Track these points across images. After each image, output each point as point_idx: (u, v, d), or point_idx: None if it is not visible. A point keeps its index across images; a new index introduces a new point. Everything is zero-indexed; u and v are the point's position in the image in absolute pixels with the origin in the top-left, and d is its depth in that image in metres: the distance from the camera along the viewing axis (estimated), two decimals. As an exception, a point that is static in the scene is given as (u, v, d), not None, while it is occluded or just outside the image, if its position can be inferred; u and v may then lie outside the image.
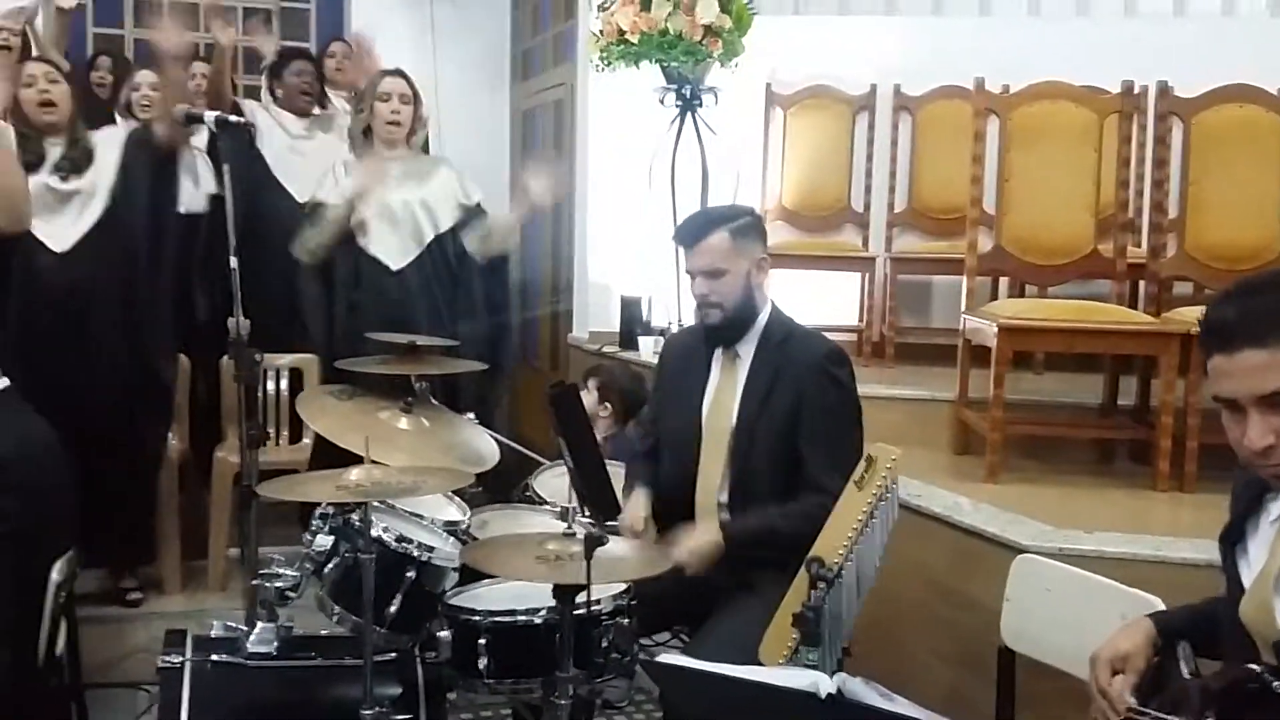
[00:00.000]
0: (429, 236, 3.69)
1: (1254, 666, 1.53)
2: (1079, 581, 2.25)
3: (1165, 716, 1.60)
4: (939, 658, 2.92)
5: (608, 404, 3.61)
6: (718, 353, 2.60)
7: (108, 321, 3.49)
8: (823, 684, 1.20)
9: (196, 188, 3.98)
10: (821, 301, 5.05)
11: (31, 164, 3.39)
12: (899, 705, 1.26)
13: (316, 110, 4.51)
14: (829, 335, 5.01)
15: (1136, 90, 3.68)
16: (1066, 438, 3.59)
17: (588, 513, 2.10)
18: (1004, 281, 4.63)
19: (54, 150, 3.47)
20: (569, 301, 5.48)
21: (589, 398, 3.59)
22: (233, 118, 2.82)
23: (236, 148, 3.09)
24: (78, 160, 3.44)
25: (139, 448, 3.64)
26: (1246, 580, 1.64)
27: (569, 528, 1.99)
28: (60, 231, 3.41)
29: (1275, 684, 1.51)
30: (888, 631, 3.02)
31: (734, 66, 4.60)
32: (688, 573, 2.30)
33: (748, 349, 2.54)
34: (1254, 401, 1.48)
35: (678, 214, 4.64)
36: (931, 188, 5.02)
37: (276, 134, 4.31)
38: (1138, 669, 1.68)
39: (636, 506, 2.54)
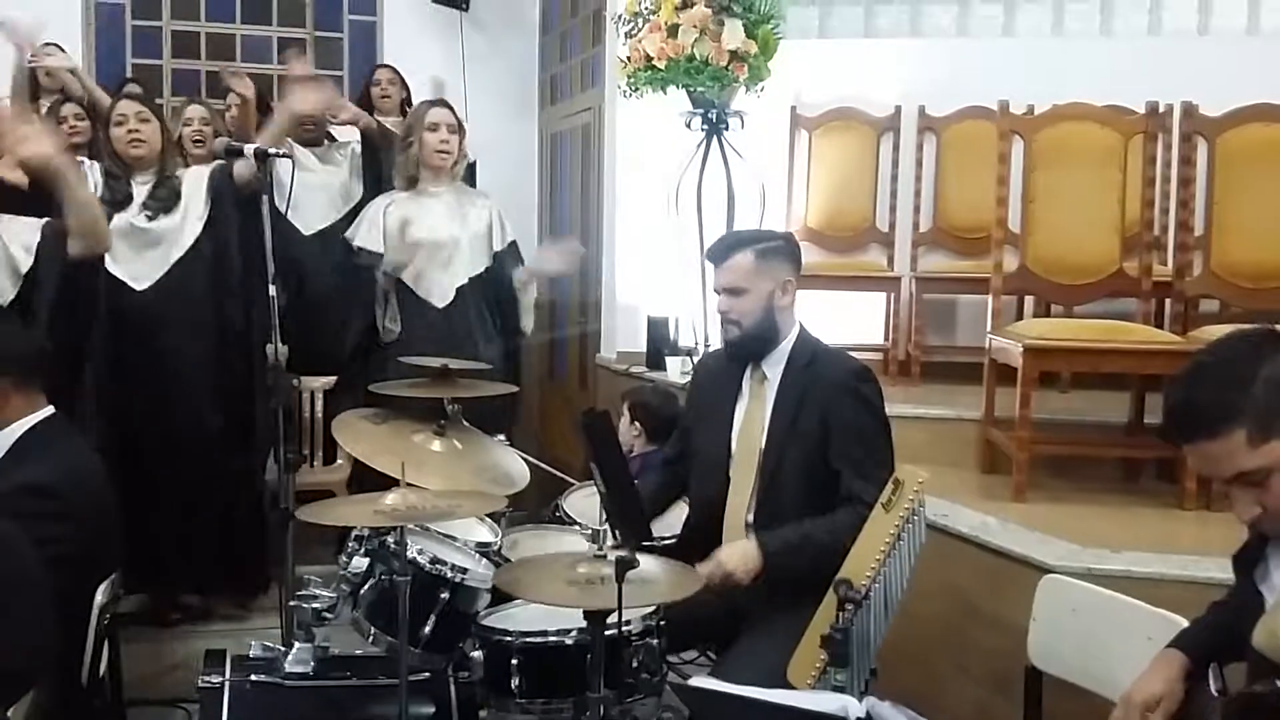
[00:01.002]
0: (463, 280, 3.80)
1: (1278, 683, 1.55)
2: (1106, 602, 2.27)
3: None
4: (967, 677, 2.93)
5: (638, 424, 3.65)
6: (747, 374, 2.64)
7: (192, 354, 3.58)
8: (852, 708, 1.23)
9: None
10: (848, 321, 5.09)
11: (119, 202, 3.48)
12: (918, 721, 1.29)
13: (326, 141, 4.60)
14: (855, 354, 5.08)
15: (1161, 110, 3.70)
16: (1093, 457, 3.60)
17: (619, 535, 2.14)
18: (1029, 300, 4.65)
19: (142, 189, 3.55)
20: (597, 322, 5.53)
21: (623, 420, 3.64)
22: (271, 149, 2.90)
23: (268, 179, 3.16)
24: (166, 200, 3.51)
25: (234, 480, 3.71)
26: (1269, 601, 1.66)
27: (600, 549, 2.02)
28: (144, 271, 3.51)
29: None
30: (916, 651, 3.03)
31: (760, 90, 4.65)
32: (728, 579, 2.33)
33: (775, 370, 2.58)
34: (1226, 482, 1.53)
35: (704, 236, 4.69)
36: (956, 208, 5.04)
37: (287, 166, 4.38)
38: (1170, 711, 1.70)
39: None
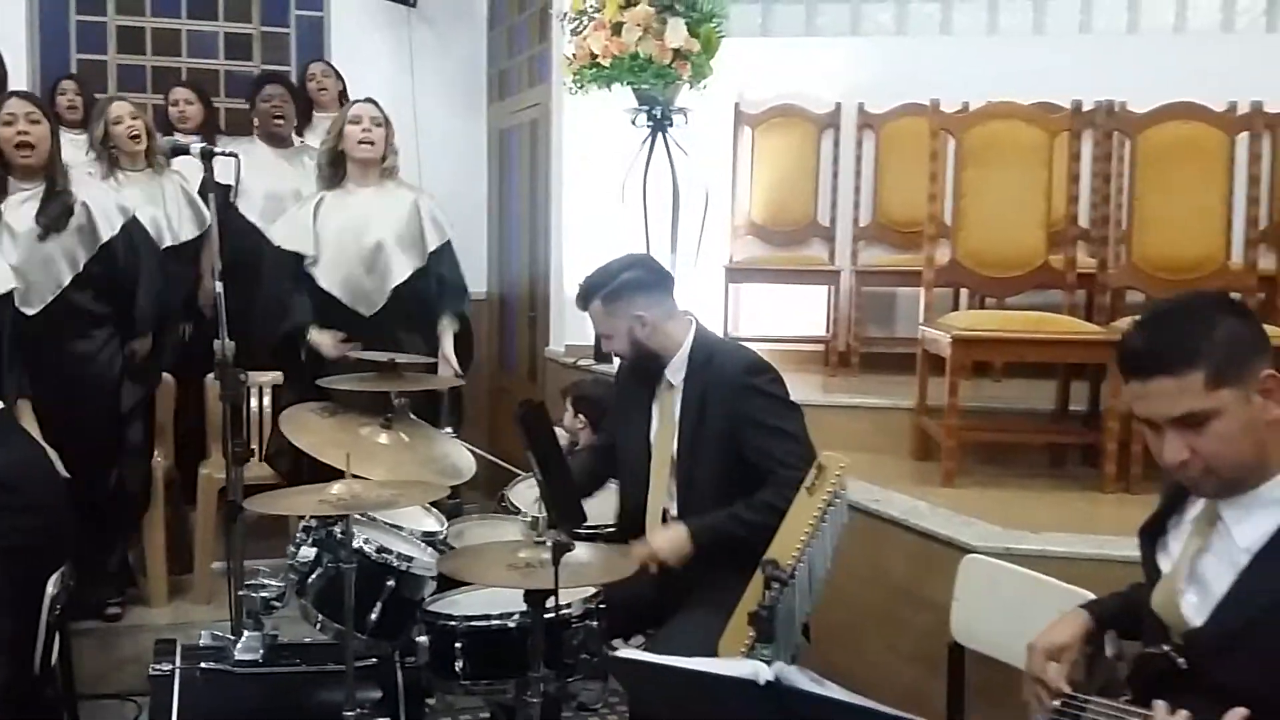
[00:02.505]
0: (392, 285, 3.80)
1: (1164, 647, 1.67)
2: (1022, 580, 2.38)
3: (1093, 699, 1.74)
4: (898, 656, 3.05)
5: (582, 416, 3.73)
6: (658, 384, 2.76)
7: (89, 350, 3.58)
8: (762, 672, 1.32)
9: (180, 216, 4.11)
10: (790, 313, 5.22)
11: None
12: (830, 690, 1.39)
13: (297, 140, 4.63)
14: (796, 346, 5.20)
15: (1089, 107, 3.83)
16: (1020, 443, 3.73)
17: (556, 522, 2.23)
18: (965, 293, 4.79)
19: (27, 197, 3.44)
20: (546, 316, 5.60)
21: (566, 414, 3.72)
22: (217, 149, 2.94)
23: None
24: (58, 219, 3.41)
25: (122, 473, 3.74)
26: (1165, 571, 1.78)
27: (539, 535, 2.11)
28: (36, 296, 3.46)
29: (1180, 661, 1.65)
30: (849, 631, 3.15)
31: (703, 88, 4.74)
32: (658, 561, 2.44)
33: (678, 376, 2.69)
34: (1168, 422, 1.63)
35: (649, 231, 4.79)
36: (895, 203, 5.17)
37: (253, 170, 4.39)
38: (1072, 660, 1.82)
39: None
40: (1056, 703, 1.77)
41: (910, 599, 3.01)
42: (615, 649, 2.52)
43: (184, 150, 2.85)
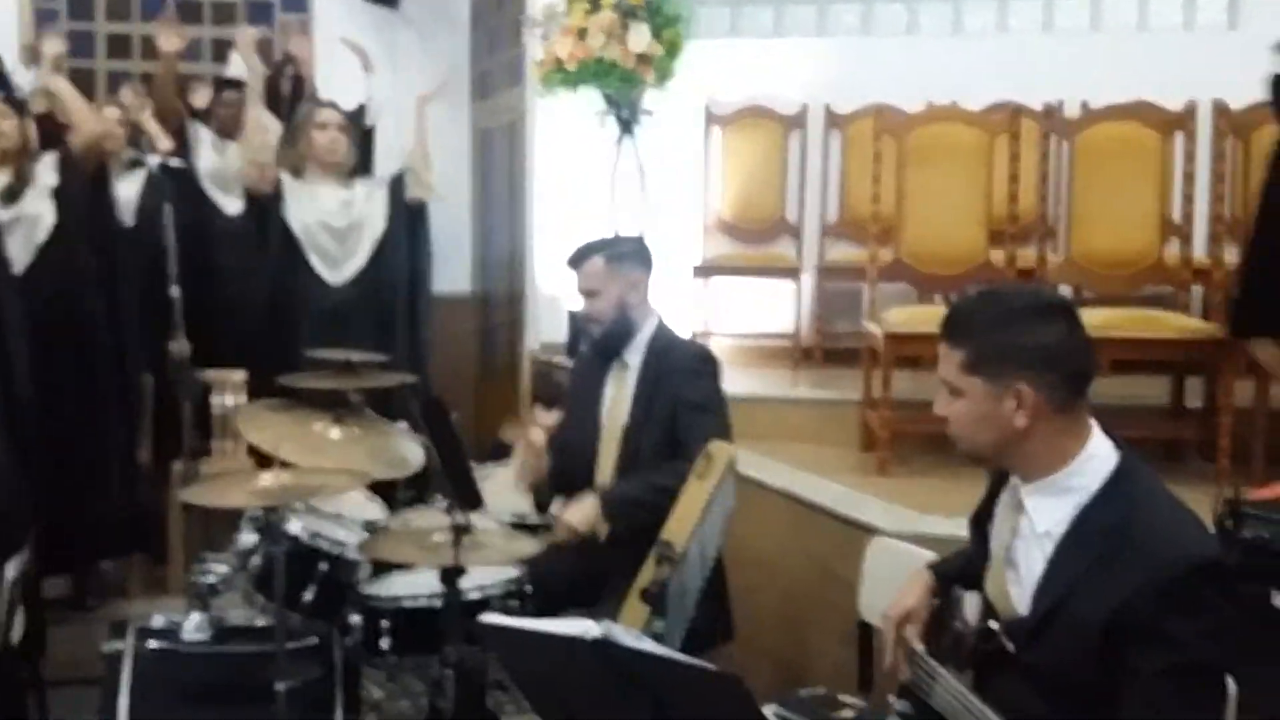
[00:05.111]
0: (355, 267, 3.96)
1: (993, 626, 1.80)
2: (918, 559, 2.50)
3: (942, 673, 1.87)
4: (825, 635, 3.18)
5: (541, 404, 3.85)
6: (614, 362, 2.90)
7: (70, 334, 3.71)
8: (590, 629, 1.47)
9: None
10: (758, 309, 5.36)
11: None
12: (647, 645, 1.53)
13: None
14: (764, 342, 5.32)
15: (1053, 105, 3.97)
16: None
17: (456, 506, 2.37)
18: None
19: None
20: (523, 314, 5.75)
21: (549, 417, 3.84)
22: (173, 162, 3.09)
23: (180, 184, 3.32)
24: (15, 188, 3.54)
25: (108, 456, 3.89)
26: (992, 557, 1.90)
27: (453, 520, 2.26)
28: (14, 255, 3.60)
29: (1009, 645, 1.78)
30: (781, 614, 3.30)
31: (666, 89, 4.87)
32: (574, 533, 2.61)
33: (636, 358, 2.86)
34: (942, 381, 1.78)
35: (619, 231, 4.92)
36: (860, 201, 5.24)
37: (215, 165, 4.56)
38: (921, 619, 1.95)
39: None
40: (914, 663, 1.90)
41: (836, 582, 3.13)
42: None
43: (140, 163, 3.00)
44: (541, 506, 2.95)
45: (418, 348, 4.19)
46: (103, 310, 3.78)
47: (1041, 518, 1.75)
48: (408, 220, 4.09)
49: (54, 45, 3.71)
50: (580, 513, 2.66)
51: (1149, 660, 1.58)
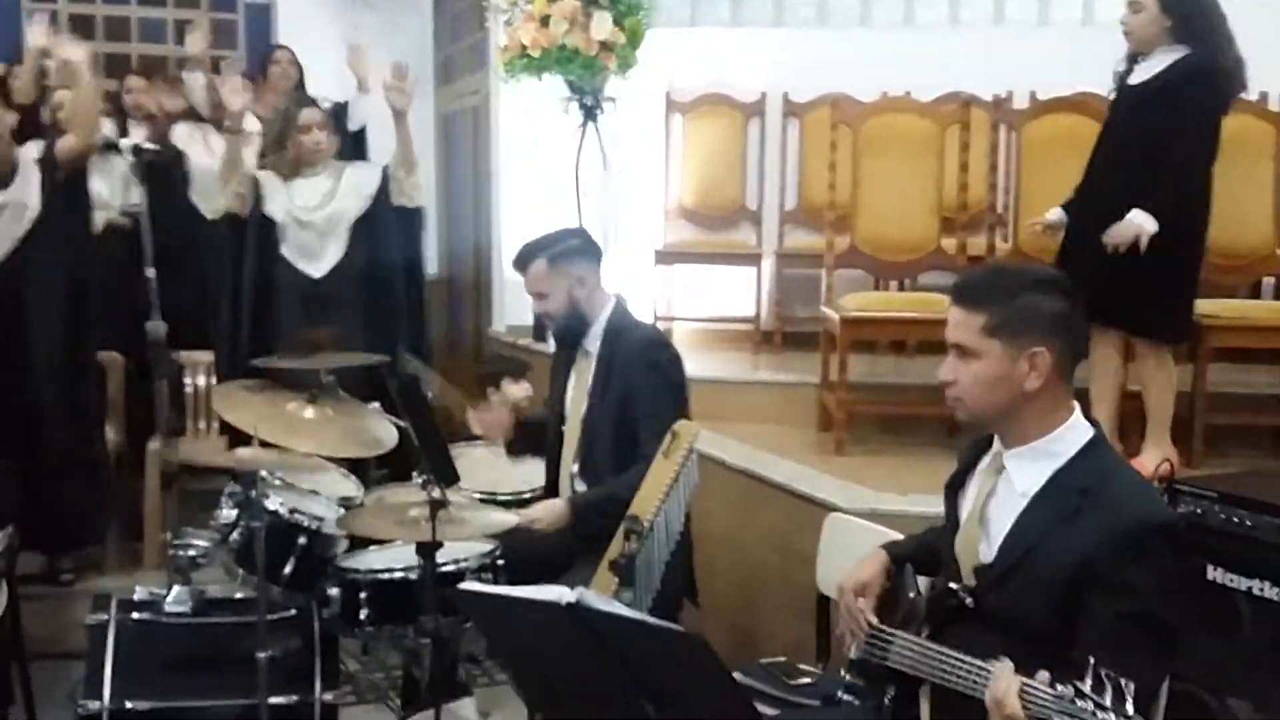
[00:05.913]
0: (337, 257, 4.00)
1: (953, 585, 1.95)
2: (877, 536, 2.64)
3: (898, 634, 2.02)
4: (784, 609, 3.32)
5: (492, 387, 3.93)
6: (577, 352, 3.02)
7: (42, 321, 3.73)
8: (565, 595, 1.59)
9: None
10: (719, 294, 5.48)
11: None
12: (618, 608, 1.65)
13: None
14: (724, 325, 5.44)
15: (1001, 97, 4.11)
16: (910, 415, 4.00)
17: (434, 482, 2.47)
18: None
19: None
20: (489, 297, 5.84)
21: (519, 389, 3.93)
22: (147, 145, 3.15)
23: (155, 170, 3.36)
24: (3, 176, 3.53)
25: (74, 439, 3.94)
26: (963, 519, 2.05)
27: (431, 495, 2.36)
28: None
29: (968, 600, 1.92)
30: (742, 589, 3.43)
31: (629, 77, 4.97)
32: (536, 528, 2.72)
33: (595, 345, 2.97)
34: (951, 345, 1.91)
35: (582, 215, 5.02)
36: (817, 188, 5.38)
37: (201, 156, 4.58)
38: (875, 593, 2.09)
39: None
40: (866, 634, 2.04)
41: (794, 557, 3.27)
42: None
43: (114, 146, 3.06)
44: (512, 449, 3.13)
45: (418, 331, 4.26)
46: (65, 306, 3.75)
47: (1021, 479, 1.90)
48: (399, 212, 4.14)
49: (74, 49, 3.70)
50: (549, 514, 2.76)
51: (1108, 604, 1.73)
